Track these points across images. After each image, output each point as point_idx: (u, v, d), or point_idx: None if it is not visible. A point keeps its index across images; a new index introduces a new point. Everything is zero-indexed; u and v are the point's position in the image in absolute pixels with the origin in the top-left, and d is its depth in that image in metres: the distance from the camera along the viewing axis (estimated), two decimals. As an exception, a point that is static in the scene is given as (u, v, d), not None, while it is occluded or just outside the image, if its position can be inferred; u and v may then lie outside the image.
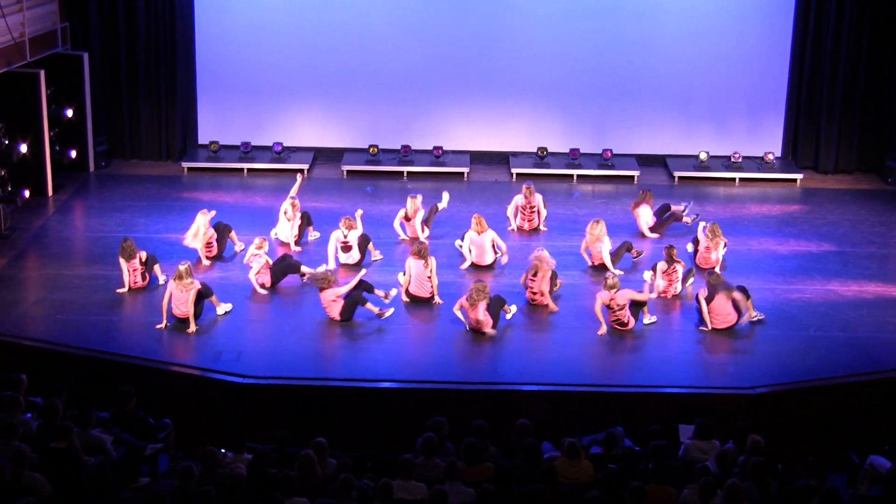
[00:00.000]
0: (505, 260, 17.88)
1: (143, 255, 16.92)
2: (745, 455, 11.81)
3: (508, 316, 16.07)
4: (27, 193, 20.39)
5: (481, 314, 15.55)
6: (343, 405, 14.50)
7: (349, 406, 14.51)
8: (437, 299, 16.54)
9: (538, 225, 19.40)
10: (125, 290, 16.85)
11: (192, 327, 15.64)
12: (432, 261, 16.56)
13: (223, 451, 11.96)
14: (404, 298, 16.61)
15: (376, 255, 18.04)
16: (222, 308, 16.18)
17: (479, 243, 17.76)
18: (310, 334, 15.81)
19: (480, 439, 12.03)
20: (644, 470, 11.60)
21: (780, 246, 19.17)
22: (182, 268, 15.68)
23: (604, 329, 15.76)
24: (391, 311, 16.09)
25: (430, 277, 16.53)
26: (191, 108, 23.77)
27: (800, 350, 15.61)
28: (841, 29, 22.82)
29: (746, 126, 23.72)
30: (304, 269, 16.95)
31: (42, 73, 20.52)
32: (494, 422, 13.03)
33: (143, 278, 16.91)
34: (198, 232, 17.71)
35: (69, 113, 21.77)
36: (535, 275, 16.47)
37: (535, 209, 19.30)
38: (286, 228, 18.49)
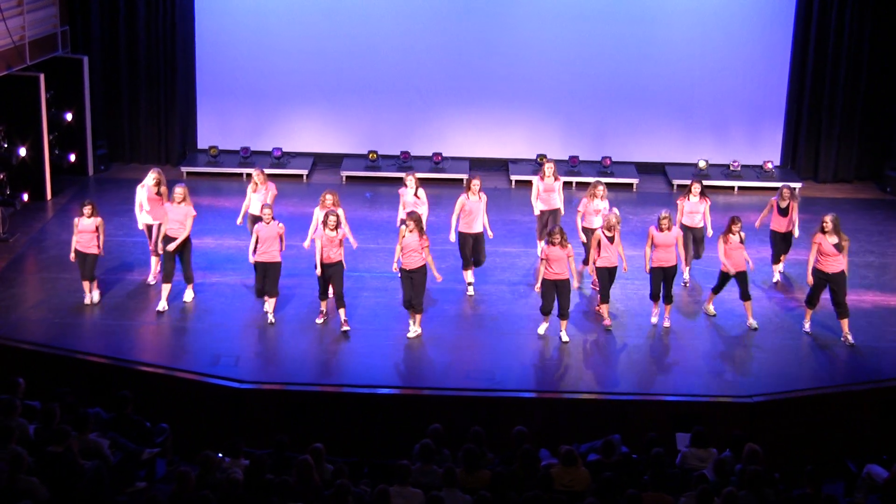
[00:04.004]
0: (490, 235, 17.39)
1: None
2: (743, 463, 11.81)
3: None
4: (26, 197, 20.42)
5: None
6: (340, 411, 14.51)
7: (346, 411, 14.51)
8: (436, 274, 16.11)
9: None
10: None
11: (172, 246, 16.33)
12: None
13: (220, 455, 11.96)
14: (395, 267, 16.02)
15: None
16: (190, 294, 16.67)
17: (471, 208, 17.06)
18: (307, 339, 15.81)
19: (478, 446, 12.03)
20: (641, 477, 11.61)
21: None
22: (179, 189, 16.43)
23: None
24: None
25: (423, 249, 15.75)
26: (191, 112, 23.78)
27: (797, 359, 15.63)
28: (841, 38, 22.84)
29: (746, 135, 23.74)
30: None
31: (42, 76, 20.53)
32: (492, 428, 13.04)
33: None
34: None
35: (69, 116, 21.80)
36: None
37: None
38: (256, 200, 17.49)
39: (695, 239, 17.70)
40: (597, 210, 17.18)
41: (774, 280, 17.95)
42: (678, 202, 17.75)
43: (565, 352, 15.63)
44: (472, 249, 17.19)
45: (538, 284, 15.77)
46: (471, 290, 17.26)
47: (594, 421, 14.23)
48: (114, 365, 14.98)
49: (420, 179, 17.75)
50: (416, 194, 17.31)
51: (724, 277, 16.37)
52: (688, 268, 17.71)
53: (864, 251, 19.49)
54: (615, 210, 16.67)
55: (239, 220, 17.83)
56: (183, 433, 13.90)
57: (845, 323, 15.96)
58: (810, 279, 15.97)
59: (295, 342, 15.76)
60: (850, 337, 15.91)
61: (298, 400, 14.52)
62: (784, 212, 17.58)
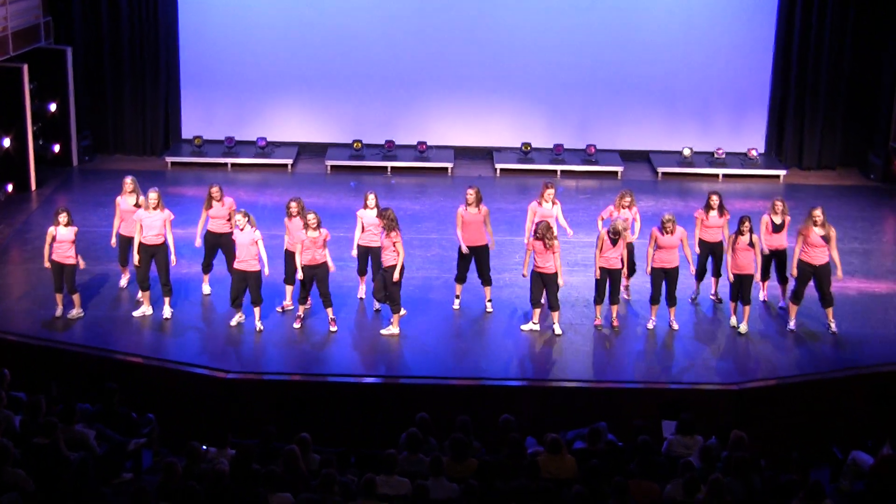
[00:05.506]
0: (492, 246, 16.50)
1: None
2: (728, 450, 11.86)
3: None
4: (10, 188, 20.36)
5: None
6: (327, 400, 14.50)
7: (333, 401, 14.51)
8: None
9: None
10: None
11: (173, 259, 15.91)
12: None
13: (205, 447, 11.95)
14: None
15: None
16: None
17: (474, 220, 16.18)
18: (294, 330, 15.77)
19: (465, 435, 12.04)
20: (627, 465, 11.64)
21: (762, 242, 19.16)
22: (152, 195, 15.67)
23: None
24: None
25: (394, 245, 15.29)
26: (174, 102, 23.70)
27: (782, 346, 15.67)
28: (824, 25, 22.89)
29: (730, 122, 23.79)
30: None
31: (25, 67, 20.45)
32: (478, 417, 13.05)
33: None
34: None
35: (52, 107, 21.74)
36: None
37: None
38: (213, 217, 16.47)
39: (713, 256, 16.50)
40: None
41: (762, 299, 16.81)
42: (696, 216, 16.62)
43: (551, 341, 15.64)
44: (475, 264, 16.30)
45: (525, 270, 15.79)
46: (457, 304, 16.49)
47: (580, 409, 14.24)
48: (100, 356, 14.94)
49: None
50: (378, 216, 15.87)
51: (736, 281, 15.76)
52: (699, 283, 16.81)
53: (848, 238, 19.54)
54: (622, 215, 16.21)
55: (197, 242, 16.55)
56: (169, 424, 13.88)
57: (830, 311, 15.97)
58: (794, 271, 15.90)
59: (281, 332, 15.74)
60: (833, 325, 15.95)
61: (285, 390, 14.51)
62: (778, 228, 16.47)
